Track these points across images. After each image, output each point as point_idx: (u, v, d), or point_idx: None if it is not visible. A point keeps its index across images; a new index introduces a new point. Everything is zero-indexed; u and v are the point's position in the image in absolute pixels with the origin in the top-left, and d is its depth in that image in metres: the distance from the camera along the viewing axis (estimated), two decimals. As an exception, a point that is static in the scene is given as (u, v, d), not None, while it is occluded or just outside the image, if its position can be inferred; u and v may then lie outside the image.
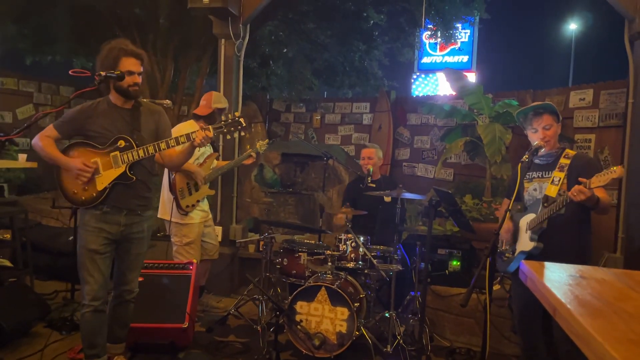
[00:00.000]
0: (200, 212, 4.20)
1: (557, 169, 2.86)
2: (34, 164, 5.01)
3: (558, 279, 1.21)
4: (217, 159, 4.55)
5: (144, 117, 3.02)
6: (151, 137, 3.03)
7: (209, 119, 4.12)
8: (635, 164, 4.15)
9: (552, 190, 2.81)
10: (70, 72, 2.81)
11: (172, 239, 4.14)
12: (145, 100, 3.10)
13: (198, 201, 4.10)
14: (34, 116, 2.74)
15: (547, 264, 1.32)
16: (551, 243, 2.76)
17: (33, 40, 7.50)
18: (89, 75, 2.80)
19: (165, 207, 4.09)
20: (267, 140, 4.62)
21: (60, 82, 8.93)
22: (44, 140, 2.88)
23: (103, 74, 2.76)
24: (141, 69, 2.94)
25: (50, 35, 7.26)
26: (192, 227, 4.10)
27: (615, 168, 2.40)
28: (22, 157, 5.19)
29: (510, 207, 2.81)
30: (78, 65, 7.93)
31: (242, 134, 3.12)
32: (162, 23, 6.96)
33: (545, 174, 2.93)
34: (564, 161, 2.86)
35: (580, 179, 2.58)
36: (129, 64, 2.87)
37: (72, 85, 8.97)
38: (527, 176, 3.01)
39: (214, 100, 4.16)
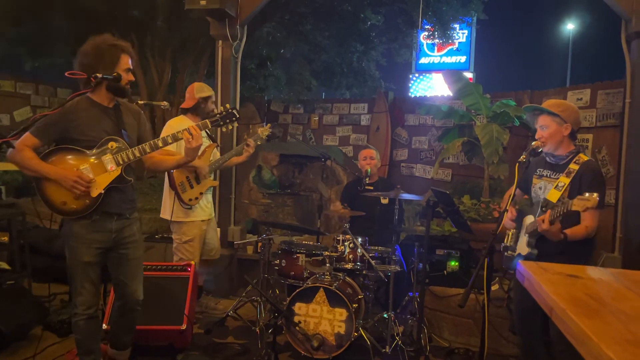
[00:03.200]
0: (204, 210, 4.18)
1: (564, 174, 2.77)
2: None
3: (554, 279, 1.21)
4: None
5: (126, 116, 2.90)
6: (135, 136, 2.92)
7: (195, 110, 4.13)
8: (633, 164, 4.15)
9: (553, 195, 2.75)
10: (66, 74, 2.76)
11: (173, 237, 4.15)
12: (122, 100, 2.96)
13: (201, 193, 4.06)
14: (31, 118, 2.69)
15: (544, 264, 1.32)
16: (547, 249, 2.71)
17: (31, 44, 7.49)
18: (86, 77, 2.74)
19: (166, 206, 4.07)
20: (269, 125, 4.60)
21: (57, 84, 8.93)
22: (25, 152, 2.66)
23: (100, 75, 2.68)
24: (132, 67, 2.87)
25: (48, 38, 7.25)
26: (192, 226, 4.09)
27: (588, 196, 2.34)
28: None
29: (507, 207, 2.80)
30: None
31: (236, 125, 3.09)
32: (159, 25, 6.96)
33: (553, 175, 2.87)
34: (573, 167, 2.76)
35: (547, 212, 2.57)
36: (126, 62, 2.80)
37: (69, 87, 8.96)
38: (537, 172, 2.96)
39: (197, 90, 4.16)
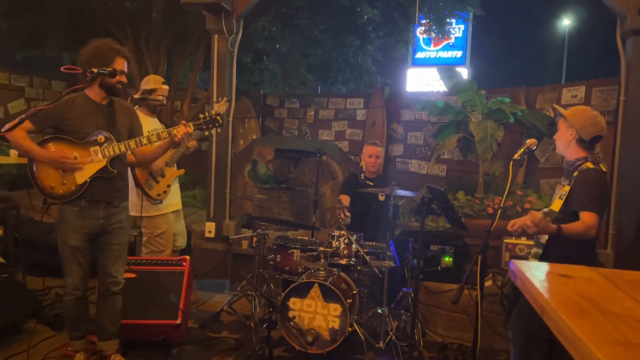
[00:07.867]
0: (173, 201, 4.19)
1: (569, 182, 2.72)
2: (25, 160, 4.97)
3: (546, 278, 1.22)
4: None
5: (119, 114, 3.09)
6: (126, 132, 3.10)
7: (141, 102, 4.05)
8: (627, 161, 4.18)
9: (556, 205, 2.72)
10: (62, 69, 2.79)
11: (142, 230, 4.14)
12: (116, 98, 3.11)
13: (169, 185, 4.08)
14: (25, 113, 2.73)
15: (536, 263, 1.33)
16: (554, 255, 2.67)
17: (24, 35, 7.45)
18: (81, 72, 2.81)
19: (133, 203, 3.92)
20: (225, 99, 4.24)
21: (52, 77, 8.88)
22: (18, 132, 2.82)
23: (95, 70, 2.81)
24: (126, 70, 3.07)
25: (41, 30, 7.21)
26: (163, 219, 4.10)
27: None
28: (14, 152, 5.16)
29: (502, 205, 2.80)
30: (68, 60, 7.89)
31: (219, 130, 3.16)
32: (155, 18, 6.92)
33: (564, 182, 2.83)
34: (575, 175, 2.71)
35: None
36: (121, 63, 2.98)
37: (64, 80, 8.92)
38: (560, 181, 2.93)
39: (143, 82, 4.13)
